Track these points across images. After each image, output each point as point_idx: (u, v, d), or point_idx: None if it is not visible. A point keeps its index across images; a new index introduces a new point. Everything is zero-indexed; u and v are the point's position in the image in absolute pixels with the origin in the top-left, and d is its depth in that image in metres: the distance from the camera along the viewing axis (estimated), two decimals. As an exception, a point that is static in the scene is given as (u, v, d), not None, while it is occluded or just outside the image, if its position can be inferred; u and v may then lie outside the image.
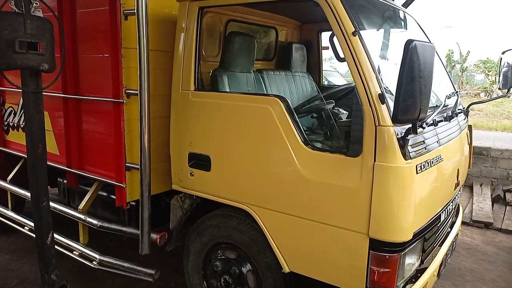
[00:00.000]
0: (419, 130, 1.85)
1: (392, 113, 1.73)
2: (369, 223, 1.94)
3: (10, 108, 3.56)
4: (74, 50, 2.85)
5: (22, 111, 3.40)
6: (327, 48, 4.26)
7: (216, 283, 2.68)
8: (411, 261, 2.11)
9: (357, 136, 1.95)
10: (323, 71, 4.04)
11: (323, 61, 3.94)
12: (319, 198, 2.10)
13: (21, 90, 3.07)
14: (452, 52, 24.70)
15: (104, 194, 3.23)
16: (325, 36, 3.87)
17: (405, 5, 3.43)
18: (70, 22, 2.82)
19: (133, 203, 2.87)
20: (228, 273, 2.60)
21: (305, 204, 2.16)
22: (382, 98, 1.89)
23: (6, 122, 3.63)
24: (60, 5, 2.82)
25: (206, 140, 2.55)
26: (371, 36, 2.32)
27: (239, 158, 2.41)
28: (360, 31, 1.99)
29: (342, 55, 2.06)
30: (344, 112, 2.66)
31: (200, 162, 2.57)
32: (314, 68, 3.87)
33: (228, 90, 2.71)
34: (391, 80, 2.11)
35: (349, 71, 2.03)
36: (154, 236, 2.78)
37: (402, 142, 1.88)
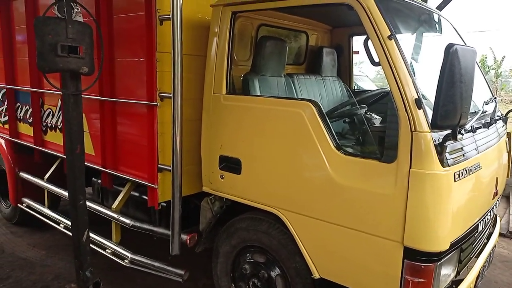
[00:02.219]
0: (458, 136, 1.79)
1: (431, 118, 1.68)
2: (403, 231, 1.89)
3: (49, 110, 3.70)
4: (111, 54, 2.94)
5: (60, 112, 3.54)
6: (357, 52, 4.21)
7: (245, 286, 2.69)
8: (447, 272, 2.04)
9: (392, 142, 1.91)
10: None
11: (353, 66, 3.89)
12: (352, 204, 2.07)
13: (61, 92, 3.21)
14: (486, 57, 23.86)
15: (136, 194, 3.30)
16: (356, 41, 3.84)
17: (440, 8, 3.35)
18: (107, 27, 2.91)
19: (164, 204, 2.92)
20: (256, 277, 2.60)
21: (337, 209, 2.13)
22: (418, 103, 1.84)
23: (45, 123, 3.78)
24: (98, 10, 2.92)
25: (236, 143, 2.57)
26: (406, 40, 2.28)
27: (269, 162, 2.41)
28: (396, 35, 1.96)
29: (376, 60, 2.03)
30: (377, 117, 2.62)
31: (231, 165, 2.59)
32: (344, 72, 3.83)
33: (259, 94, 2.72)
34: (427, 85, 2.06)
35: (383, 76, 1.99)
36: (184, 237, 2.82)
37: (440, 148, 1.83)
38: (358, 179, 2.04)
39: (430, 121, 1.81)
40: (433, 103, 1.99)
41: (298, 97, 3.06)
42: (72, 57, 2.10)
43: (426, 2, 2.99)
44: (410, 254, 1.90)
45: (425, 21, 2.65)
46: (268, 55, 2.82)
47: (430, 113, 1.88)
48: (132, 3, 2.80)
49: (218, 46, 2.64)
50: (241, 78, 2.84)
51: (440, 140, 1.84)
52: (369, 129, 2.21)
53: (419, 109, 1.84)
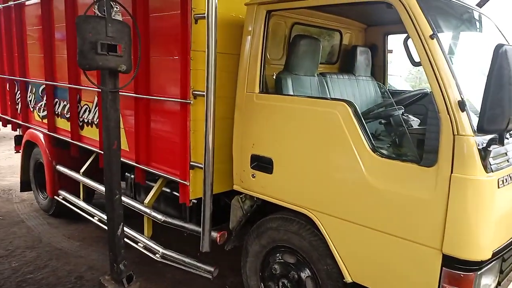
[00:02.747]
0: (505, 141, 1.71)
1: (477, 122, 1.61)
2: (443, 238, 1.83)
3: (86, 106, 3.82)
4: (146, 52, 2.99)
5: (97, 108, 3.64)
6: (391, 51, 4.10)
7: (274, 286, 2.68)
8: (487, 282, 1.95)
9: (432, 145, 1.85)
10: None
11: (388, 66, 3.80)
12: (387, 208, 2.02)
13: (98, 89, 3.30)
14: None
15: (168, 190, 3.36)
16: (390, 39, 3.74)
17: (479, 5, 3.21)
18: (143, 26, 2.96)
19: (194, 200, 2.95)
20: (286, 277, 2.59)
21: (372, 213, 2.08)
22: (462, 106, 1.77)
23: (82, 119, 3.90)
24: (134, 9, 2.98)
25: (269, 142, 2.55)
26: (448, 39, 2.19)
27: (302, 162, 2.38)
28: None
29: (417, 59, 1.96)
30: (414, 119, 2.54)
31: (263, 164, 2.58)
32: (378, 72, 3.74)
33: (291, 93, 2.69)
34: (469, 87, 1.98)
35: (415, 75, 1.92)
36: (214, 234, 2.84)
37: (484, 153, 1.75)
38: (395, 182, 1.99)
39: (474, 125, 1.74)
40: (474, 105, 1.92)
41: (331, 96, 3.01)
42: (111, 55, 2.15)
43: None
44: (449, 262, 1.84)
45: (467, 20, 2.54)
46: (302, 54, 2.79)
47: (473, 116, 1.82)
48: (168, 2, 2.83)
49: (251, 45, 2.63)
50: (274, 77, 2.83)
51: (484, 145, 1.76)
52: (407, 131, 2.14)
53: (462, 111, 1.77)
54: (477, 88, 2.14)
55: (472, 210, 1.77)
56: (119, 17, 2.24)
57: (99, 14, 2.16)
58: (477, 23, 2.70)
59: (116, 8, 2.22)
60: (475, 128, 1.77)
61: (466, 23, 2.54)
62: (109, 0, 2.13)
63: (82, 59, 2.10)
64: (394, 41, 3.83)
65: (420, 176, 1.90)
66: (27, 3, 4.55)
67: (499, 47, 1.49)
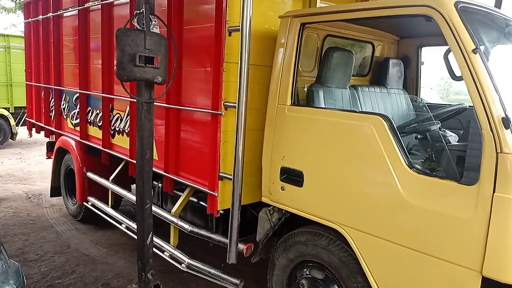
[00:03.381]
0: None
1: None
2: (483, 260, 1.75)
3: (118, 115, 3.91)
4: (179, 63, 3.04)
5: (128, 117, 3.72)
6: (423, 63, 4.02)
7: (301, 301, 2.63)
8: (531, 307, 1.85)
9: (474, 163, 1.78)
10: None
11: (421, 78, 3.72)
12: (424, 226, 1.95)
13: (130, 99, 3.37)
14: None
15: (195, 200, 3.37)
16: (424, 51, 3.67)
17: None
18: (177, 38, 3.01)
19: (221, 211, 2.95)
20: (314, 293, 2.54)
21: (407, 231, 2.02)
22: (506, 122, 1.71)
23: (113, 127, 3.99)
24: (169, 21, 3.04)
25: (300, 155, 2.53)
26: (490, 54, 2.13)
27: (334, 176, 2.35)
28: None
29: (458, 74, 1.91)
30: (452, 134, 2.47)
31: (292, 177, 2.56)
32: (411, 85, 3.67)
33: (323, 105, 2.67)
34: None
35: (445, 88, 1.87)
36: (241, 246, 2.82)
37: (530, 173, 1.67)
38: (433, 200, 1.92)
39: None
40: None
41: (363, 109, 2.97)
42: (148, 67, 2.19)
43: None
44: (489, 285, 1.77)
45: (508, 32, 2.47)
46: (334, 66, 2.77)
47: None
48: (203, 14, 2.88)
49: (284, 57, 2.64)
50: (305, 89, 2.81)
51: (530, 164, 1.69)
52: (446, 147, 2.08)
53: (507, 128, 1.71)
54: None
55: (516, 232, 1.69)
56: (157, 30, 2.28)
57: (138, 27, 2.21)
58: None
59: (155, 21, 2.27)
60: (520, 146, 1.70)
61: (508, 36, 2.47)
62: (148, 13, 2.18)
63: (120, 70, 2.15)
64: (425, 53, 3.76)
65: (459, 194, 1.83)
66: (65, 14, 4.73)
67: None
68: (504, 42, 2.52)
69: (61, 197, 5.40)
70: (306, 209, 2.52)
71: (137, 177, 2.44)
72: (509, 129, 1.72)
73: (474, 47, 1.82)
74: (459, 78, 1.92)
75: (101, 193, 4.48)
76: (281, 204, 2.67)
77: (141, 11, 2.18)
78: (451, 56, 1.94)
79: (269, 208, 2.81)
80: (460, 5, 1.95)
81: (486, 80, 1.78)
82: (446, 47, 2.04)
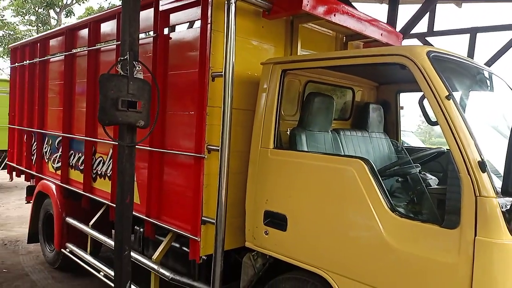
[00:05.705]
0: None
1: (501, 184, 1.57)
2: (469, 306, 1.71)
3: (100, 158, 3.86)
4: (163, 107, 3.07)
5: (111, 161, 3.67)
6: (402, 108, 4.15)
7: None
8: None
9: (454, 206, 1.80)
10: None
11: (400, 122, 3.82)
12: (408, 271, 1.92)
13: (113, 142, 3.35)
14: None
15: (177, 245, 3.27)
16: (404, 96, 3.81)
17: (488, 64, 3.29)
18: (161, 82, 3.06)
19: (204, 257, 2.86)
20: None
21: (391, 276, 1.98)
22: (482, 166, 1.74)
23: (95, 171, 3.93)
24: (154, 67, 3.11)
25: (283, 198, 2.52)
26: (462, 100, 2.22)
27: (318, 220, 2.32)
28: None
29: (433, 119, 1.97)
30: (432, 177, 2.50)
31: (276, 220, 2.52)
32: (391, 128, 3.76)
33: (306, 149, 2.70)
34: (488, 146, 1.96)
35: (425, 130, 1.92)
36: (224, 294, 2.71)
37: (508, 216, 1.69)
38: (416, 244, 1.91)
39: (496, 186, 1.70)
40: (493, 165, 1.89)
41: (345, 153, 3.01)
42: (131, 111, 2.20)
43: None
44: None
45: (479, 80, 2.59)
46: (316, 110, 2.83)
47: (493, 177, 1.78)
48: (187, 60, 2.96)
49: (266, 102, 2.69)
50: (288, 132, 2.85)
51: (508, 207, 1.71)
52: (426, 191, 2.10)
53: (483, 172, 1.74)
54: (495, 148, 2.12)
55: (499, 277, 1.69)
56: (141, 76, 2.32)
57: (122, 73, 2.24)
58: (489, 82, 2.74)
59: (138, 67, 2.31)
60: (497, 189, 1.73)
61: (479, 83, 2.59)
62: (132, 59, 2.22)
63: (103, 115, 2.15)
64: (405, 97, 3.89)
65: (442, 238, 1.83)
66: (51, 59, 4.79)
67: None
68: (477, 88, 2.64)
69: (39, 243, 5.18)
70: (290, 254, 2.47)
71: (116, 223, 2.38)
72: (486, 173, 1.75)
73: (447, 93, 1.89)
74: (434, 123, 1.98)
75: (80, 239, 4.32)
76: (265, 249, 2.61)
77: (125, 57, 2.23)
78: (426, 102, 2.01)
79: (253, 254, 2.74)
80: (432, 54, 2.05)
81: (460, 125, 1.84)
82: (422, 93, 2.12)
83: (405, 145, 4.73)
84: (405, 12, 6.23)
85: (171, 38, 3.10)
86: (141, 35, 2.98)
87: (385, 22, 4.09)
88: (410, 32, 6.12)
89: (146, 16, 3.15)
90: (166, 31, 3.15)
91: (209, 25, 2.67)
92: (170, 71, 3.10)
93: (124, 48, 2.26)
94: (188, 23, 3.21)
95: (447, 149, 1.91)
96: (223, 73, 2.56)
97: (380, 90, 3.80)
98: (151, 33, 3.20)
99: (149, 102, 2.32)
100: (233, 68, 2.55)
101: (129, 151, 2.31)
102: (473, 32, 5.91)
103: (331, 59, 2.43)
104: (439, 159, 2.62)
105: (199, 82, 2.75)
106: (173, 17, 3.10)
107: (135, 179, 3.27)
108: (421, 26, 6.26)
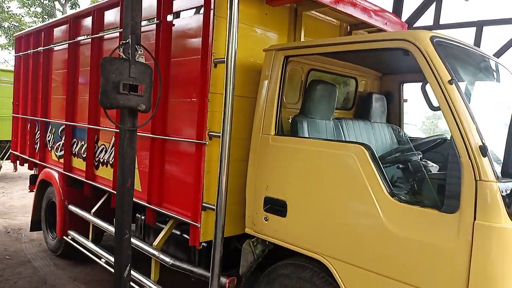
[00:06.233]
0: (530, 187, 1.65)
1: (501, 167, 1.56)
2: (467, 290, 1.71)
3: (103, 146, 3.88)
4: (165, 93, 3.07)
5: (113, 148, 3.69)
6: (406, 101, 4.13)
7: (286, 338, 2.51)
8: None
9: (454, 191, 1.79)
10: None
11: (403, 114, 3.80)
12: (407, 256, 1.92)
13: (115, 130, 3.36)
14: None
15: (178, 232, 3.29)
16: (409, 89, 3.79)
17: (497, 55, 3.25)
18: (164, 69, 3.06)
19: (204, 244, 2.87)
20: (299, 329, 2.43)
21: (390, 261, 1.98)
22: (483, 150, 1.73)
23: (97, 158, 3.94)
24: (157, 53, 3.10)
25: (283, 185, 2.52)
26: (465, 86, 2.20)
27: (317, 206, 2.32)
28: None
29: (435, 104, 1.96)
30: (433, 164, 2.49)
31: (276, 207, 2.53)
32: (394, 120, 3.74)
33: (307, 136, 2.69)
34: (489, 133, 1.94)
35: (430, 126, 1.91)
36: (223, 280, 2.73)
37: (508, 200, 1.68)
38: (415, 229, 1.90)
39: (496, 170, 1.69)
40: (494, 153, 1.87)
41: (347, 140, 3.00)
42: (132, 95, 2.20)
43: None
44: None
45: (484, 68, 2.56)
46: (318, 98, 2.82)
47: (494, 162, 1.77)
48: (190, 47, 2.95)
49: (268, 89, 2.68)
50: (290, 120, 2.84)
51: (508, 191, 1.70)
52: (427, 176, 2.09)
53: (484, 156, 1.73)
54: (496, 136, 2.11)
55: (497, 262, 1.68)
56: (143, 60, 2.32)
57: (124, 56, 2.24)
58: (494, 73, 2.72)
59: (140, 51, 2.31)
60: (498, 174, 1.72)
61: (483, 71, 2.56)
62: (134, 43, 2.22)
63: (104, 98, 2.16)
64: (409, 90, 3.87)
65: (441, 222, 1.82)
66: (55, 48, 4.80)
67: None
68: (482, 77, 2.61)
69: (42, 231, 5.22)
70: (289, 240, 2.47)
71: (117, 207, 2.38)
72: (487, 157, 1.74)
73: (450, 78, 1.88)
74: (436, 108, 1.97)
75: (82, 226, 4.35)
76: (265, 235, 2.61)
77: (127, 41, 2.23)
78: (428, 88, 2.00)
79: (253, 240, 2.75)
80: (436, 39, 2.04)
81: (462, 109, 1.82)
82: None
83: (407, 136, 4.71)
84: (411, 4, 6.18)
85: (174, 24, 3.10)
86: (144, 22, 2.98)
87: (391, 12, 4.06)
88: (416, 25, 6.07)
89: (150, 3, 3.15)
90: (169, 18, 3.14)
91: (212, 11, 2.67)
92: (173, 58, 3.09)
93: (126, 32, 2.26)
94: (191, 10, 3.20)
95: (449, 138, 1.90)
96: (225, 60, 2.55)
97: (383, 80, 3.78)
98: (155, 20, 3.19)
99: (151, 86, 2.32)
100: (236, 55, 2.54)
101: (130, 135, 2.32)
102: (479, 25, 5.85)
103: (334, 45, 2.42)
104: (440, 148, 2.61)
105: (201, 68, 2.75)
106: (176, 4, 3.09)
107: (136, 166, 3.31)
108: (427, 19, 6.20)
